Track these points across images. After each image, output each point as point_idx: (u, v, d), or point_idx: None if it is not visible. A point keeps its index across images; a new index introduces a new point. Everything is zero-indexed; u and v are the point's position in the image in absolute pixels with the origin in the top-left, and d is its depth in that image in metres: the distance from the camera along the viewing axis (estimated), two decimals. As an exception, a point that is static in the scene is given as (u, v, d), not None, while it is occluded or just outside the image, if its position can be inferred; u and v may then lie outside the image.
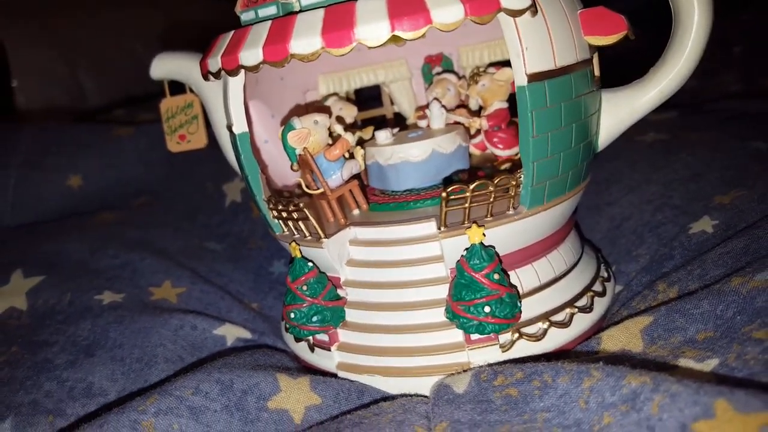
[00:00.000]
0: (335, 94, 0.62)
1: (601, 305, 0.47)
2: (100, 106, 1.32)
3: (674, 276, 0.46)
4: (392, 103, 0.68)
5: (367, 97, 0.70)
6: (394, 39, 0.36)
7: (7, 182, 0.81)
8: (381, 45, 0.35)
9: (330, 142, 0.49)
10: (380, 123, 0.67)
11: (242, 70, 0.40)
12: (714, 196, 0.55)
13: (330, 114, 0.54)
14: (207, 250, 0.68)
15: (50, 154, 0.84)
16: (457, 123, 0.54)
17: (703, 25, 0.42)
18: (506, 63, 0.46)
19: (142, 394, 0.39)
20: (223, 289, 0.60)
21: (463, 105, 0.58)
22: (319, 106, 0.59)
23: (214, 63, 0.42)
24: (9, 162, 0.82)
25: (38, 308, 0.53)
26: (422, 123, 0.55)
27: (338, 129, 0.51)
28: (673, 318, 0.38)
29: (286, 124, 0.47)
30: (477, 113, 0.55)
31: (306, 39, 0.36)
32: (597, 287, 0.48)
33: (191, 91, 0.58)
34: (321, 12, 0.37)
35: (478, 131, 0.54)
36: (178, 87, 0.59)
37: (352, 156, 0.52)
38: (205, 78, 0.44)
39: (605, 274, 0.50)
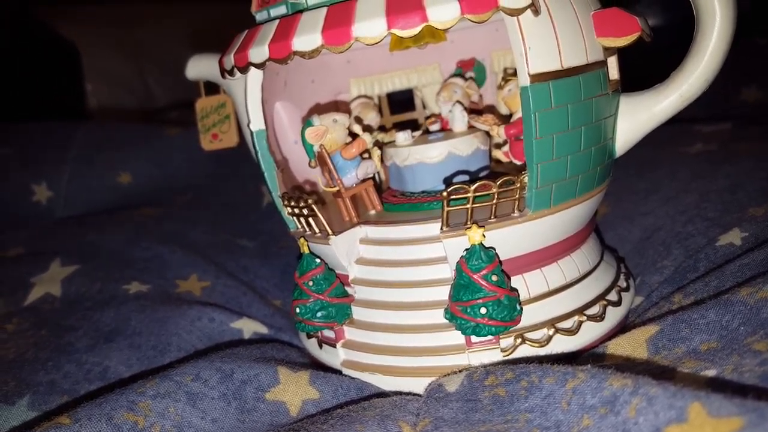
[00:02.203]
0: (364, 96, 0.63)
1: (614, 315, 0.45)
2: (166, 108, 1.38)
3: (691, 287, 0.44)
4: (424, 107, 0.68)
5: (400, 101, 0.70)
6: (399, 40, 0.36)
7: (62, 176, 0.85)
8: (378, 43, 0.36)
9: (349, 141, 0.49)
10: (413, 128, 0.68)
11: (252, 67, 0.41)
12: (748, 208, 0.52)
13: (351, 114, 0.55)
14: (238, 246, 0.70)
15: (102, 151, 0.88)
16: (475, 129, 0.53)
17: (725, 27, 0.41)
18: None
19: (145, 378, 0.40)
20: (247, 284, 0.62)
21: (482, 111, 0.58)
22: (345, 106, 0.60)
23: (228, 61, 0.43)
24: (64, 157, 0.86)
25: (70, 295, 0.56)
26: (434, 127, 0.55)
27: (356, 129, 0.52)
28: (678, 328, 0.37)
29: (306, 121, 0.48)
30: (509, 118, 0.54)
31: (307, 36, 0.37)
32: (612, 296, 0.46)
33: (224, 92, 0.60)
34: (324, 10, 0.37)
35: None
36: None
37: (369, 157, 0.52)
38: (222, 75, 0.46)
39: (624, 284, 0.48)
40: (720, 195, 0.57)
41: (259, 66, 0.40)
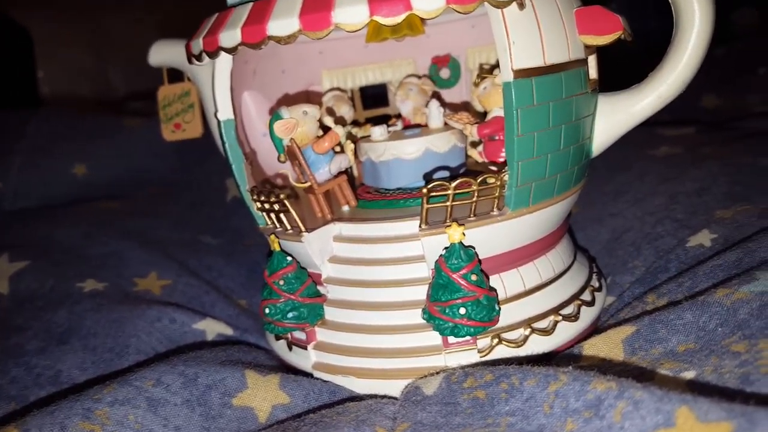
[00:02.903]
0: (338, 89, 0.61)
1: (588, 315, 0.45)
2: (127, 98, 1.32)
3: (664, 288, 0.44)
4: (398, 102, 0.66)
5: (373, 96, 0.69)
6: (378, 30, 0.35)
7: (11, 167, 0.81)
8: (358, 30, 0.34)
9: (320, 134, 0.48)
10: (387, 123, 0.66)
11: (222, 52, 0.39)
12: (716, 210, 0.53)
13: (321, 106, 0.53)
14: (202, 244, 0.67)
15: (56, 141, 0.84)
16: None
17: (704, 29, 0.40)
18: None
19: (101, 383, 0.38)
20: (210, 283, 0.59)
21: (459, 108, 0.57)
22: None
23: (197, 45, 0.41)
24: (15, 147, 0.82)
25: (19, 293, 0.53)
26: (396, 127, 0.54)
27: (328, 121, 0.50)
28: (655, 328, 0.37)
29: (274, 113, 0.46)
30: (484, 116, 0.53)
31: (283, 20, 0.35)
32: (586, 296, 0.46)
33: (189, 79, 0.58)
34: (303, -6, 0.36)
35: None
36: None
37: (342, 150, 0.50)
38: (189, 61, 0.43)
39: (596, 284, 0.48)
40: (688, 197, 0.57)
41: (230, 51, 0.38)
